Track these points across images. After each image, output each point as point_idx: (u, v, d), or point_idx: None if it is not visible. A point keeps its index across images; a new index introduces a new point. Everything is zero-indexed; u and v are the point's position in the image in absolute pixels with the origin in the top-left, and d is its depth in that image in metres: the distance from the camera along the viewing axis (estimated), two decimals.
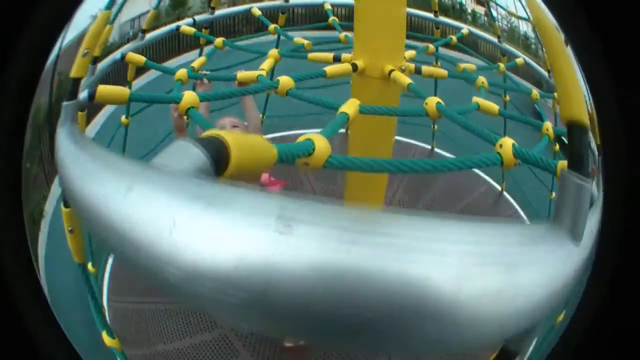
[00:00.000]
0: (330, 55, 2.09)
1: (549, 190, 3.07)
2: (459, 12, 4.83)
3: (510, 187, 3.62)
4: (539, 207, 3.27)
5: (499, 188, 3.68)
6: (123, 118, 2.84)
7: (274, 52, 2.14)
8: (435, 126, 3.97)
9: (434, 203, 3.51)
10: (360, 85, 1.96)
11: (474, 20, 4.90)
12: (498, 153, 1.18)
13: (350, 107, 1.43)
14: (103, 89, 1.50)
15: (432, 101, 1.54)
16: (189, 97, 1.46)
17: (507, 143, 1.20)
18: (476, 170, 3.73)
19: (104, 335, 1.69)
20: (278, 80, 1.67)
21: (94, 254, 2.43)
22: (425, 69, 2.03)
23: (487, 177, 3.74)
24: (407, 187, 3.60)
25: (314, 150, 1.02)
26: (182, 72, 1.95)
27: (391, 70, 1.84)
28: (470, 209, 3.48)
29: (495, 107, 1.76)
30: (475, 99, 1.78)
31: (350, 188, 2.47)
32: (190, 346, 2.55)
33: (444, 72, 2.04)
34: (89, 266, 2.22)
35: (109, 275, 2.79)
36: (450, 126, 3.83)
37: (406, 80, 1.77)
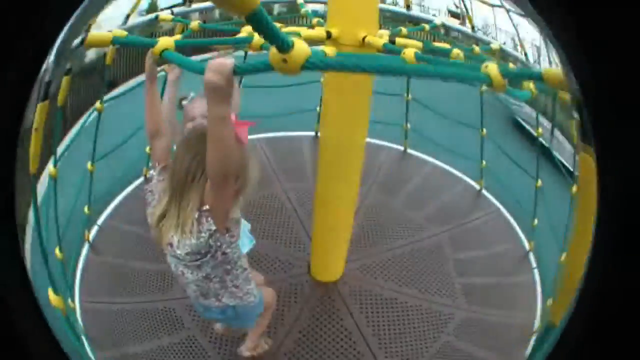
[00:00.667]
0: (304, 29, 2.07)
1: (535, 178, 3.02)
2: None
3: (491, 185, 3.56)
4: (521, 203, 3.22)
5: (477, 186, 3.63)
6: (97, 104, 2.80)
7: (248, 27, 2.09)
8: (408, 125, 3.88)
9: (409, 202, 3.42)
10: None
11: (447, 33, 4.97)
12: (485, 73, 1.13)
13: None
14: (91, 36, 1.62)
15: (410, 51, 1.51)
16: (164, 41, 1.48)
17: (491, 66, 1.15)
18: (453, 169, 3.72)
19: (50, 292, 1.55)
20: (252, 35, 1.65)
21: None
22: (398, 39, 2.02)
23: (464, 176, 3.69)
24: (381, 185, 3.55)
25: (292, 45, 0.96)
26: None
27: (365, 37, 1.82)
28: (448, 207, 3.41)
29: None
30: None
31: (322, 185, 2.42)
32: (159, 347, 2.41)
33: (418, 44, 2.03)
34: (57, 251, 2.18)
35: (81, 274, 2.69)
36: (424, 123, 3.89)
37: (380, 41, 1.75)
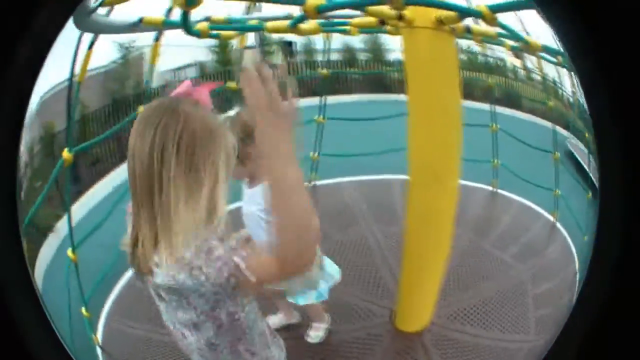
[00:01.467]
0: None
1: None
2: (502, 69, 4.78)
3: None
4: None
5: (552, 218, 3.39)
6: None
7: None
8: (497, 161, 3.61)
9: (498, 241, 3.19)
10: (410, 39, 1.83)
11: (515, 76, 4.85)
12: None
13: None
14: None
15: None
16: None
17: None
18: (529, 202, 3.52)
19: None
20: None
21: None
22: (475, 27, 1.89)
23: (539, 209, 3.46)
24: (473, 227, 3.29)
25: None
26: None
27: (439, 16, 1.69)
28: (532, 243, 3.22)
29: None
30: None
31: (411, 229, 2.24)
32: None
33: (493, 32, 1.88)
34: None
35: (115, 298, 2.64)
36: (514, 158, 3.60)
37: (457, 20, 1.62)
